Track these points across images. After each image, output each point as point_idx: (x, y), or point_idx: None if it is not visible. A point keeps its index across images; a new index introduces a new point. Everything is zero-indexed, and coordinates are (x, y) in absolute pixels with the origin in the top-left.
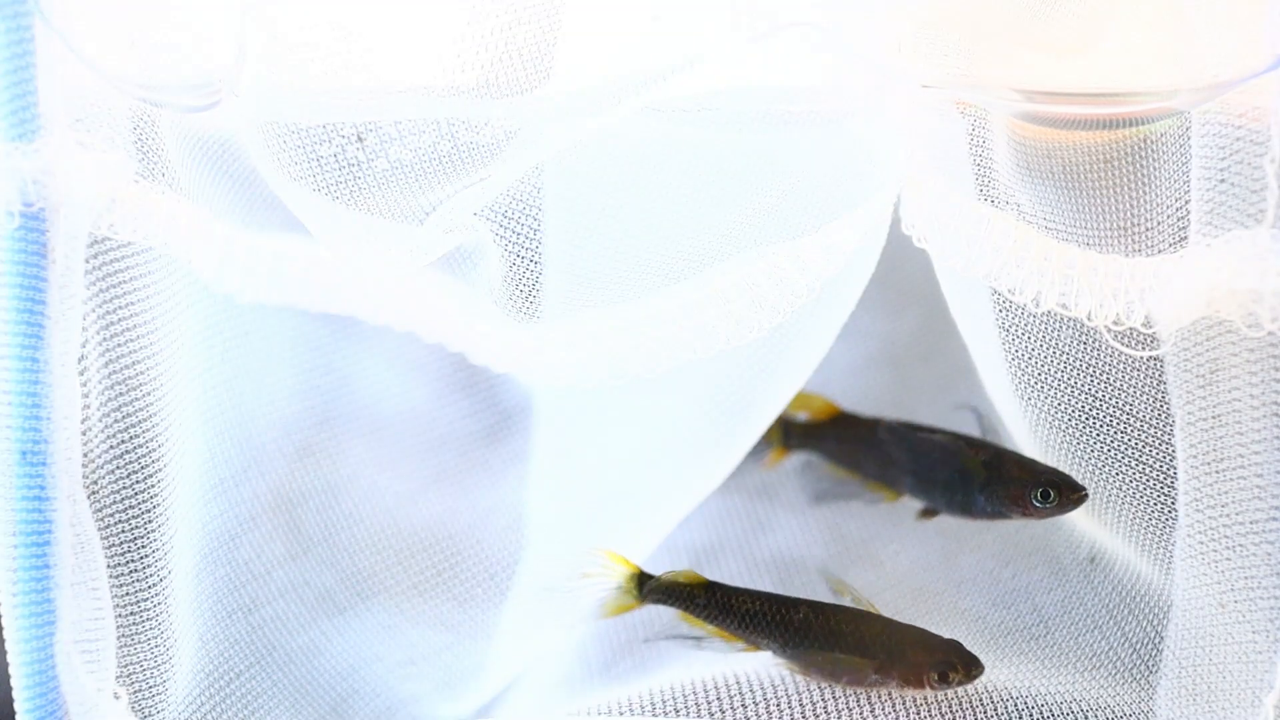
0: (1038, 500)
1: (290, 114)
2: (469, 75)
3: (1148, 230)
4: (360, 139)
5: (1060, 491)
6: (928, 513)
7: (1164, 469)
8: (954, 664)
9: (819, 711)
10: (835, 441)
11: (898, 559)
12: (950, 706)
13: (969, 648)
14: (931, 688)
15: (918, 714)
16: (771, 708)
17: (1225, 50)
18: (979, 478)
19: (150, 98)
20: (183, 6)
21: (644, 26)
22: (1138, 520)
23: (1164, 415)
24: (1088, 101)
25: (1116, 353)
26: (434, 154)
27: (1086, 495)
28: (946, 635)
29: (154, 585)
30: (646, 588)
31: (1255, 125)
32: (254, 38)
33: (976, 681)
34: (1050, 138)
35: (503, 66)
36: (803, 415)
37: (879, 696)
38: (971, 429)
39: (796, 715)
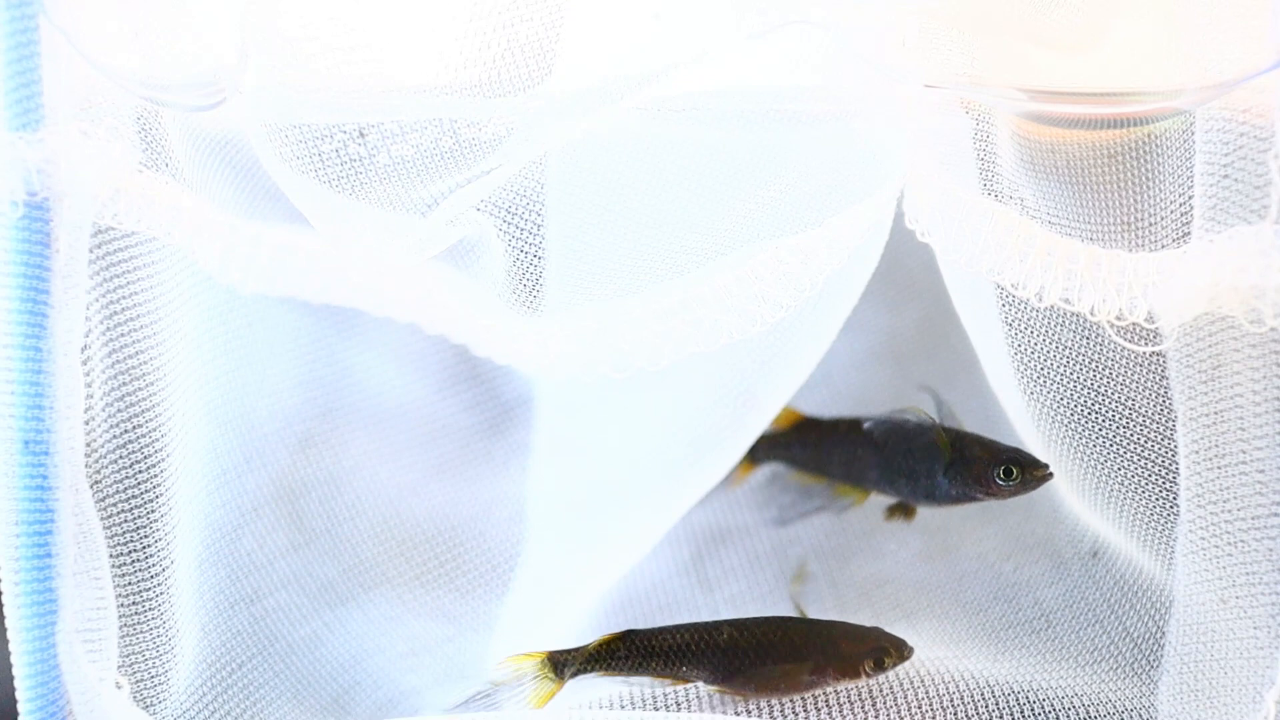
0: (1000, 478)
1: (293, 113)
2: (472, 72)
3: (1151, 226)
4: (362, 135)
5: (1023, 469)
6: (894, 510)
7: (1166, 464)
8: (887, 649)
9: (820, 704)
10: (800, 448)
11: (899, 552)
12: (952, 700)
13: (972, 641)
14: (868, 676)
15: (919, 708)
16: (774, 701)
17: (1228, 47)
18: (941, 461)
19: (154, 97)
20: (185, 5)
21: (645, 23)
22: (1140, 515)
23: (1166, 410)
24: (1092, 101)
25: (1119, 348)
26: (436, 150)
27: (1050, 473)
28: (948, 629)
29: (156, 575)
30: (563, 665)
31: (1259, 121)
32: (256, 35)
33: (978, 675)
34: (1054, 135)
35: (505, 63)
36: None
37: (881, 691)
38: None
39: (799, 709)
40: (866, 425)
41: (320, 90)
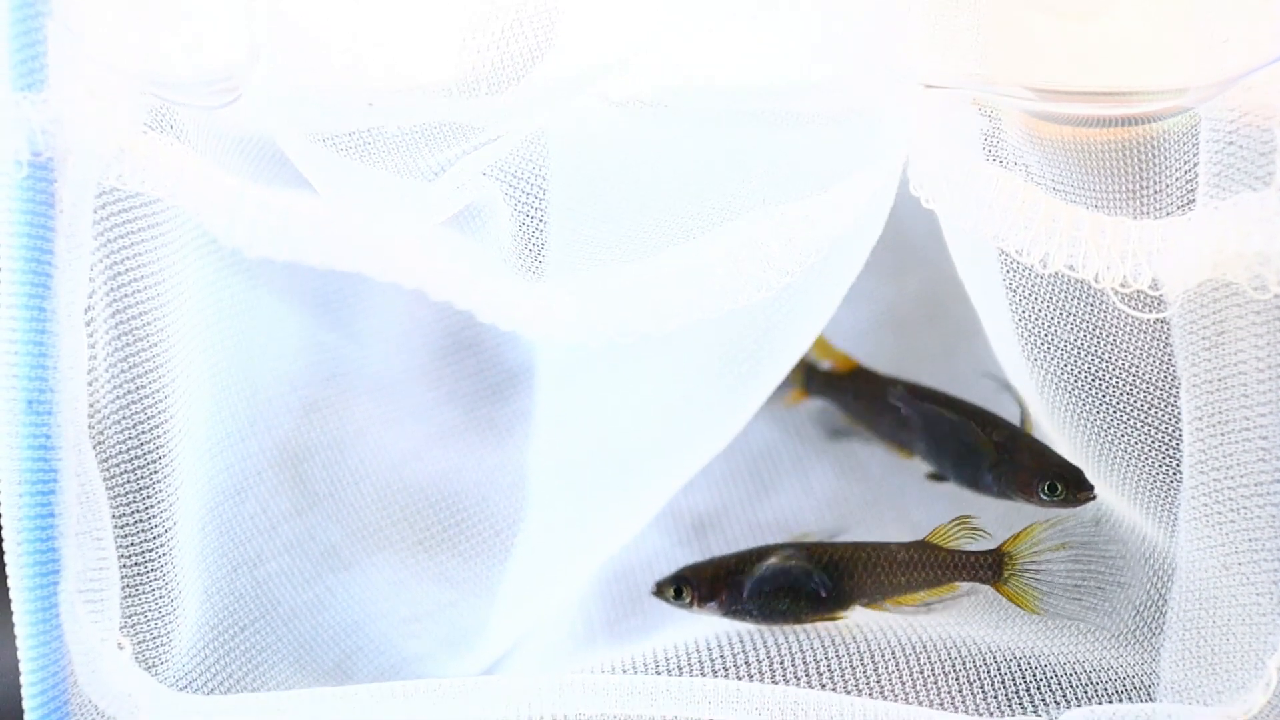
0: (1044, 493)
1: (303, 115)
2: (480, 41)
3: (1156, 193)
4: (370, 106)
5: (1067, 487)
6: (936, 477)
7: (1169, 431)
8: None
9: (822, 669)
10: (853, 396)
11: (901, 523)
12: (954, 666)
13: (974, 609)
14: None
15: (920, 673)
16: (775, 665)
17: (1234, 23)
18: (990, 458)
19: (166, 95)
20: (193, 4)
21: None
22: (1143, 482)
23: (1170, 377)
24: (1098, 100)
25: (1123, 315)
26: (442, 122)
27: (1094, 495)
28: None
29: (159, 537)
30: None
31: (1264, 91)
32: (265, 31)
33: (980, 642)
34: (1060, 132)
35: (512, 34)
36: (826, 363)
37: (883, 656)
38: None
39: (799, 674)
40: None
41: (327, 90)
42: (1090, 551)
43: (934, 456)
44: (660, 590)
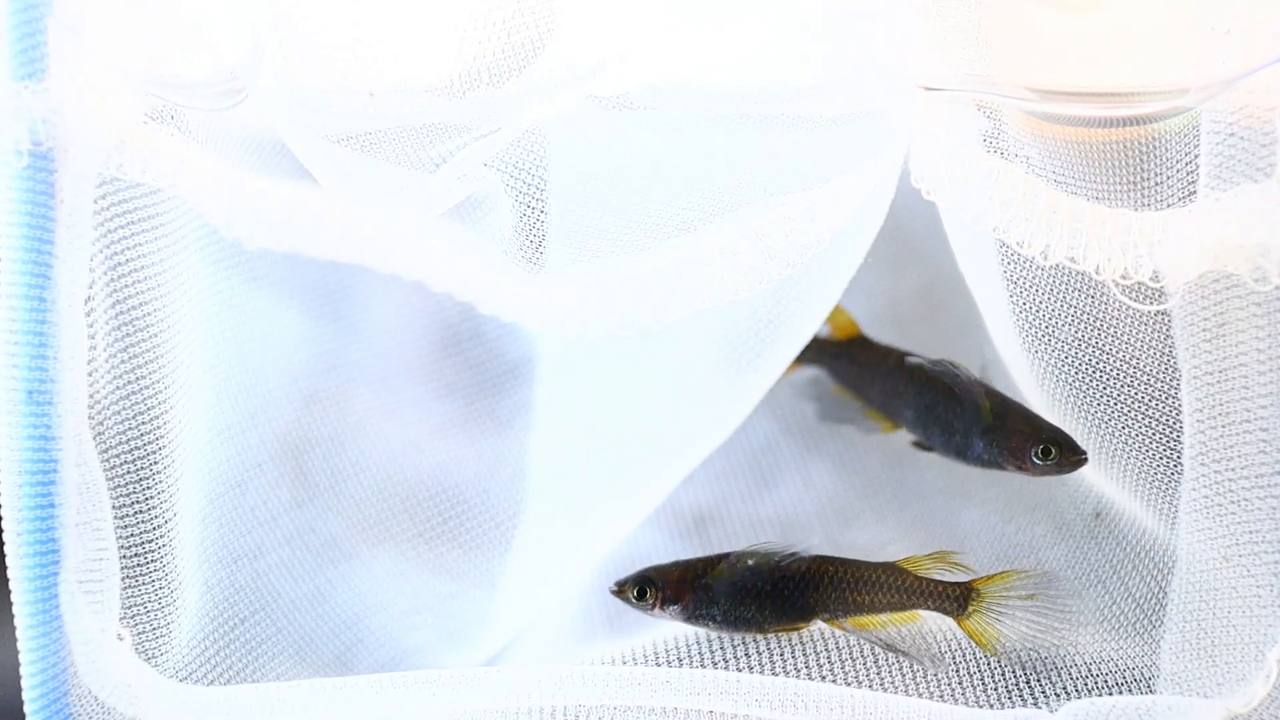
0: (1037, 457)
1: (306, 113)
2: (482, 45)
3: (1157, 185)
4: (371, 96)
5: (1060, 451)
6: (922, 446)
7: (1170, 423)
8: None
9: (823, 661)
10: (847, 364)
11: (901, 515)
12: (954, 658)
13: None
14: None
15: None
16: (776, 657)
17: (1235, 20)
18: (981, 424)
19: (174, 98)
20: (197, 7)
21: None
22: (1143, 475)
23: (1170, 369)
24: (1100, 102)
25: (1124, 306)
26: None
27: (1085, 459)
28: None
29: (159, 528)
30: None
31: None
32: (267, 31)
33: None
34: (1061, 130)
35: (514, 24)
36: (825, 330)
37: (883, 648)
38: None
39: (800, 666)
40: (911, 362)
41: (330, 82)
42: (1054, 607)
43: (922, 425)
44: (621, 590)
